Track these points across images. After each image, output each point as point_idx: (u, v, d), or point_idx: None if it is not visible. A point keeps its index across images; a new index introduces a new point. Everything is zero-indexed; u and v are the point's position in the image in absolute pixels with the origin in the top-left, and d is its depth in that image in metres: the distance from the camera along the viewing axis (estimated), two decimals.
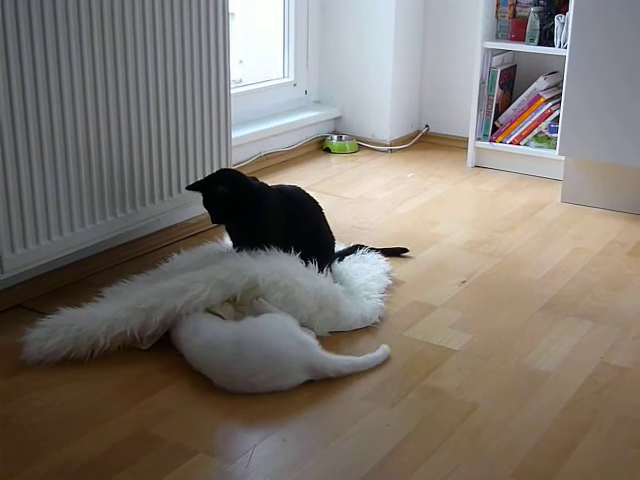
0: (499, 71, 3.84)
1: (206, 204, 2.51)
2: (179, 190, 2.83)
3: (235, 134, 3.21)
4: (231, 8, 2.97)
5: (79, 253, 2.59)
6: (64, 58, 2.34)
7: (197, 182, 2.57)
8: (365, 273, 2.64)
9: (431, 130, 4.36)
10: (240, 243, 2.54)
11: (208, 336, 2.14)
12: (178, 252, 2.70)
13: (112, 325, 2.18)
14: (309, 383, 2.11)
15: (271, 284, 2.29)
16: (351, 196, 3.54)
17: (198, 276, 2.28)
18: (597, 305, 2.58)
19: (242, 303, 2.30)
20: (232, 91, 3.03)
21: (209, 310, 2.23)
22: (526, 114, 3.80)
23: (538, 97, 3.77)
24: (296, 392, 2.08)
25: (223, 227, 2.62)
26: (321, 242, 2.63)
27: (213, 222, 2.54)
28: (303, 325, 2.25)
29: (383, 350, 2.23)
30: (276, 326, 2.16)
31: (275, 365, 2.06)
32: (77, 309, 2.30)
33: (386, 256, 2.81)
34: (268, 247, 2.45)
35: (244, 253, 2.44)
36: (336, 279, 2.57)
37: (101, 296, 2.41)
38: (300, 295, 2.31)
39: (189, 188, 2.55)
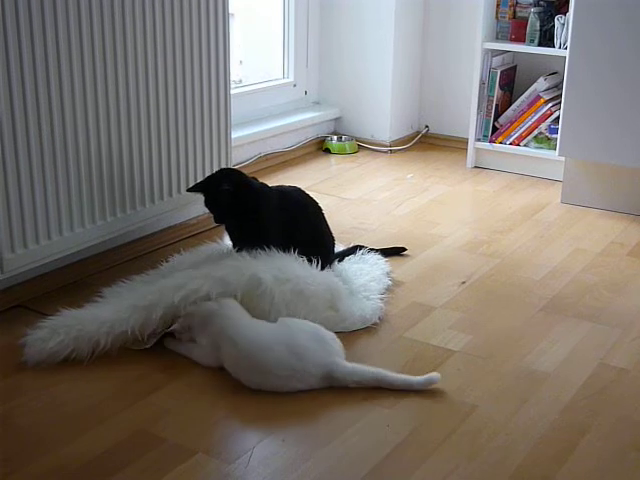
0: (499, 72, 3.84)
1: (208, 204, 2.51)
2: (179, 190, 2.83)
3: (235, 135, 3.22)
4: (231, 9, 2.97)
5: (79, 253, 2.59)
6: (64, 59, 2.34)
7: (198, 183, 2.57)
8: (365, 274, 2.64)
9: (431, 131, 4.36)
10: (240, 243, 2.54)
11: (251, 337, 2.12)
12: (178, 252, 2.71)
13: (113, 325, 2.19)
14: None
15: (273, 279, 2.29)
16: (351, 197, 3.54)
17: (196, 273, 2.30)
18: (597, 306, 2.58)
19: (245, 302, 2.29)
20: (232, 92, 3.03)
21: None
22: (526, 115, 3.80)
23: (538, 98, 3.77)
24: (295, 392, 2.08)
25: (223, 227, 2.62)
26: (321, 242, 2.63)
27: (216, 222, 2.55)
28: None
29: (427, 377, 2.08)
30: (308, 329, 2.15)
31: (295, 364, 2.05)
32: (78, 309, 2.30)
33: (385, 256, 2.81)
34: (268, 247, 2.45)
35: (244, 253, 2.44)
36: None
37: (101, 296, 2.41)
38: (306, 286, 2.33)
39: (191, 190, 2.55)
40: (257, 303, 2.28)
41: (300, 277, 2.34)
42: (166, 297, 2.23)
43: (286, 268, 2.35)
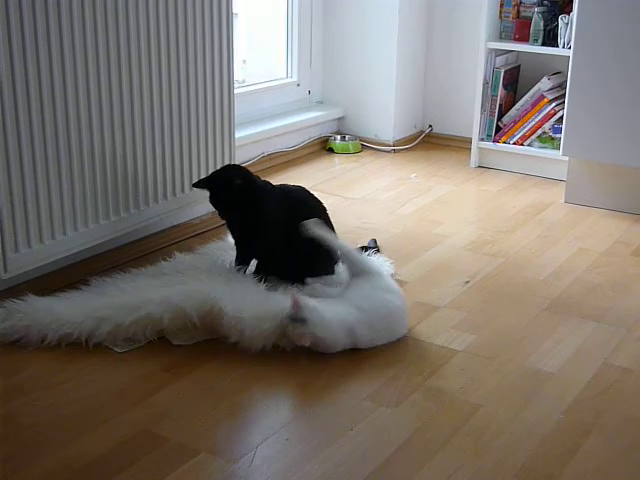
0: (503, 71, 3.84)
1: (214, 200, 2.51)
2: (182, 190, 2.84)
3: (238, 134, 3.21)
4: (235, 8, 2.97)
5: (83, 252, 2.59)
6: (68, 58, 2.34)
7: (204, 179, 2.57)
8: None
9: (434, 130, 4.36)
10: (241, 240, 2.55)
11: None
12: (179, 252, 2.71)
13: (63, 325, 2.25)
14: (310, 382, 2.11)
15: (233, 307, 2.26)
16: (354, 196, 3.54)
17: (155, 298, 2.30)
18: (601, 306, 2.58)
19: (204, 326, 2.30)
20: (235, 91, 3.04)
21: None
22: (530, 114, 3.80)
23: (542, 97, 3.77)
24: (299, 391, 2.09)
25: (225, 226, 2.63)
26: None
27: (222, 217, 2.56)
28: None
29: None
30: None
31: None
32: (41, 298, 2.36)
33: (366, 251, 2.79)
34: (268, 245, 2.47)
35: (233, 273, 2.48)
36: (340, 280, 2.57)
37: (87, 285, 2.49)
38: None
39: (196, 185, 2.55)
40: (217, 328, 2.28)
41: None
42: (119, 315, 2.26)
43: (246, 295, 2.35)
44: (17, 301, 2.32)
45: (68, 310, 2.30)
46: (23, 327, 2.25)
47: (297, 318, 2.17)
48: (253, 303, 2.30)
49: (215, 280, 2.43)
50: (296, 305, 2.17)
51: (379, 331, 2.27)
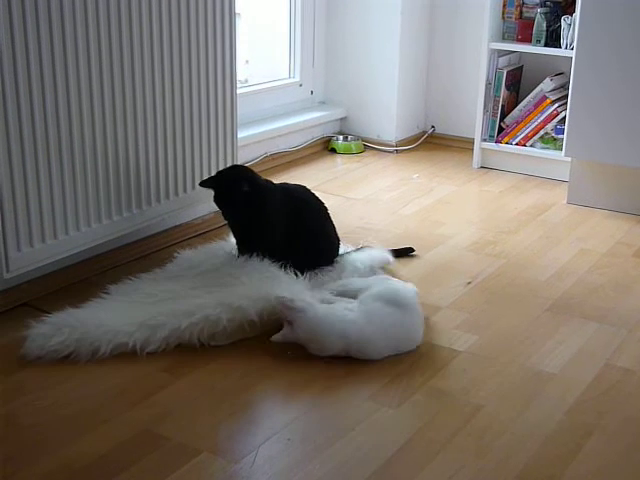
0: (505, 72, 3.83)
1: (220, 201, 2.51)
2: (184, 190, 2.84)
3: (241, 134, 3.21)
4: (237, 8, 2.97)
5: (85, 252, 2.59)
6: (71, 57, 2.34)
7: (211, 178, 2.56)
8: None
9: (437, 131, 4.36)
10: (242, 239, 2.55)
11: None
12: (183, 250, 2.71)
13: (116, 334, 2.20)
14: (312, 382, 2.11)
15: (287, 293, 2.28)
16: (356, 196, 3.53)
17: (209, 302, 2.29)
18: (603, 306, 2.57)
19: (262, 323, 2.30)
20: (238, 91, 3.03)
21: None
22: (532, 115, 3.79)
23: (544, 98, 3.76)
24: (301, 391, 2.08)
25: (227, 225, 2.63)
26: (326, 242, 2.62)
27: (225, 218, 2.55)
28: None
29: None
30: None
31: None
32: (82, 309, 2.31)
33: (395, 257, 2.79)
34: (269, 244, 2.47)
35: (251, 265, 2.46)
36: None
37: (107, 293, 2.43)
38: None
39: (203, 184, 2.54)
40: (274, 316, 2.29)
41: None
42: (174, 320, 2.24)
43: (293, 284, 2.36)
44: (56, 314, 2.27)
45: (118, 320, 2.25)
46: (74, 341, 2.17)
47: (285, 319, 2.20)
48: (303, 290, 2.33)
49: (257, 274, 2.44)
50: (283, 307, 2.19)
51: (376, 344, 2.23)
